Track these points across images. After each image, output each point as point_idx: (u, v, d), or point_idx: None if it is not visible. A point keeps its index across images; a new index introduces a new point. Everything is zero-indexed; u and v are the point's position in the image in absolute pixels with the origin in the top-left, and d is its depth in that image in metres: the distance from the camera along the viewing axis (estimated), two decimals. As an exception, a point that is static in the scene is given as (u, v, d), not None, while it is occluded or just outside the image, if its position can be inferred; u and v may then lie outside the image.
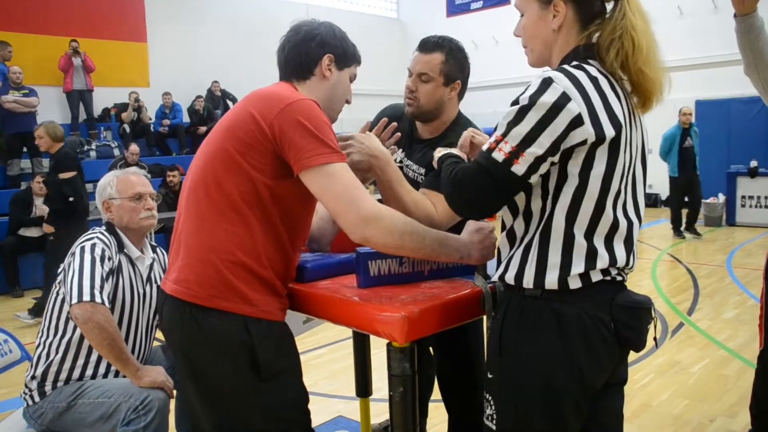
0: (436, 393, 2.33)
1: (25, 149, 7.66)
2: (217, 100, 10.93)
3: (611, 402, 1.41)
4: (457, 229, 1.62)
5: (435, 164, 1.55)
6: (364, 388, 2.32)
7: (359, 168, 1.66)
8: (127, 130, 9.44)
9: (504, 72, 11.73)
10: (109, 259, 2.06)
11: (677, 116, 8.11)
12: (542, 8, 1.33)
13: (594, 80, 1.25)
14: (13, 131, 7.55)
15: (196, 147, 8.52)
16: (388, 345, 1.37)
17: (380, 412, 2.87)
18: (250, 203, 1.42)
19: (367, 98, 7.45)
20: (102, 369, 2.08)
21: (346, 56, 1.61)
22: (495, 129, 1.27)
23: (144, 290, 2.18)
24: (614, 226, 1.27)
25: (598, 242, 1.27)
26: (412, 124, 2.12)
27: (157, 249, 2.35)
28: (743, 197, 9.24)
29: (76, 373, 2.05)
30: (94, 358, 2.06)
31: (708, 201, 9.04)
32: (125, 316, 2.11)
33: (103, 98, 9.93)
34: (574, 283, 1.26)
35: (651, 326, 1.31)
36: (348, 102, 1.66)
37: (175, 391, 2.06)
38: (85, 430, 1.99)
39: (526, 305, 1.30)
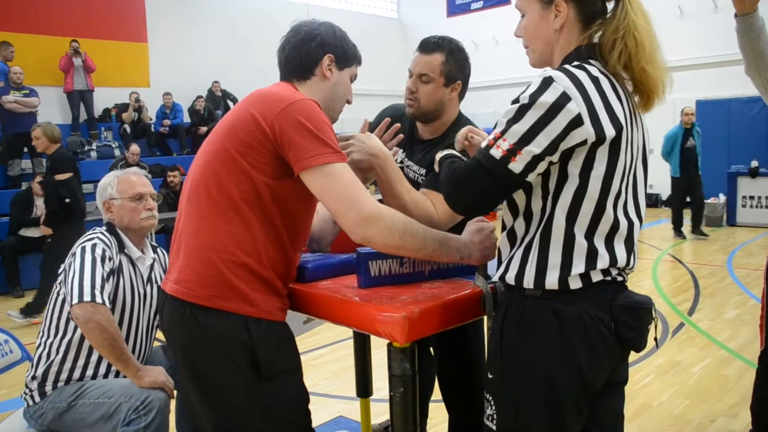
0: (437, 393, 2.33)
1: (25, 149, 7.66)
2: (217, 101, 10.93)
3: (612, 402, 1.41)
4: (457, 229, 1.62)
5: (437, 167, 1.55)
6: (364, 389, 2.32)
7: (360, 167, 1.66)
8: (128, 130, 9.44)
9: (504, 72, 11.73)
10: (110, 259, 2.06)
11: (678, 116, 8.11)
12: (544, 8, 1.33)
13: (595, 80, 1.25)
14: (14, 131, 7.55)
15: (197, 147, 8.56)
16: (389, 345, 1.37)
17: (381, 413, 2.87)
18: (250, 203, 1.42)
19: (367, 98, 7.46)
20: (102, 369, 2.08)
21: (347, 56, 1.61)
22: (494, 127, 1.27)
23: (144, 290, 2.18)
24: (615, 226, 1.27)
25: (599, 242, 1.26)
26: (412, 125, 2.12)
27: (158, 249, 2.35)
28: (744, 197, 9.24)
29: (77, 374, 2.05)
30: (94, 358, 2.06)
31: (709, 201, 9.03)
32: (126, 317, 2.11)
33: (104, 98, 9.94)
34: (575, 284, 1.26)
35: (651, 326, 1.31)
36: (349, 102, 1.66)
37: (175, 392, 2.06)
38: (86, 431, 1.99)
39: (526, 305, 1.30)
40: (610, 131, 1.22)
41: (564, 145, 1.21)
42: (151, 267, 2.24)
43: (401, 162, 2.12)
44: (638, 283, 5.77)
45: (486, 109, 9.66)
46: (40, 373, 2.03)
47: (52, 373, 2.03)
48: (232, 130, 1.44)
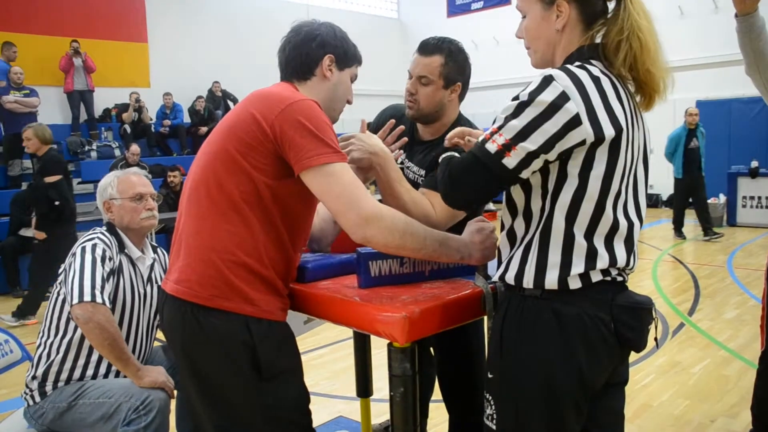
0: (437, 393, 2.33)
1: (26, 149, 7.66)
2: (217, 101, 10.93)
3: (612, 402, 1.41)
4: (457, 229, 1.62)
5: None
6: (364, 389, 2.32)
7: (360, 165, 1.66)
8: (128, 130, 9.44)
9: (504, 72, 11.72)
10: (110, 259, 2.06)
11: (678, 117, 8.10)
12: (545, 9, 1.33)
13: (596, 80, 1.25)
14: (14, 131, 7.55)
15: (197, 147, 8.55)
16: (389, 345, 1.37)
17: (381, 413, 2.87)
18: (251, 203, 1.42)
19: (367, 98, 7.46)
20: (102, 369, 2.08)
21: (347, 56, 1.61)
22: (493, 123, 1.27)
23: (145, 290, 2.18)
24: (614, 226, 1.27)
25: (598, 242, 1.26)
26: (413, 126, 2.12)
27: (158, 249, 2.35)
28: (744, 198, 9.24)
29: (77, 374, 2.05)
30: (94, 358, 2.06)
31: (709, 201, 9.01)
32: (126, 317, 2.11)
33: (104, 98, 9.94)
34: (574, 283, 1.26)
35: (652, 326, 1.31)
36: (349, 102, 1.66)
37: (175, 392, 2.06)
38: (86, 430, 1.99)
39: (526, 305, 1.30)
40: (609, 131, 1.22)
41: (561, 145, 1.21)
42: (152, 267, 2.24)
43: (401, 163, 2.12)
44: (638, 284, 5.77)
45: (486, 109, 9.65)
46: (41, 372, 2.03)
47: (52, 373, 2.03)
48: (232, 130, 1.44)
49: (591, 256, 1.26)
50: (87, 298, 1.91)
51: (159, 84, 10.53)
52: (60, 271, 2.09)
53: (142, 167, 7.38)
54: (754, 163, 9.16)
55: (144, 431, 1.89)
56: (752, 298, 5.23)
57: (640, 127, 1.34)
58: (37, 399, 2.03)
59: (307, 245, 1.73)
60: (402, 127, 1.92)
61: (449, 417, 2.24)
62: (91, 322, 1.90)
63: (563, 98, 1.19)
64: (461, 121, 2.06)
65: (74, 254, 2.03)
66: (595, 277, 1.26)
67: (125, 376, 2.01)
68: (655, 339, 1.37)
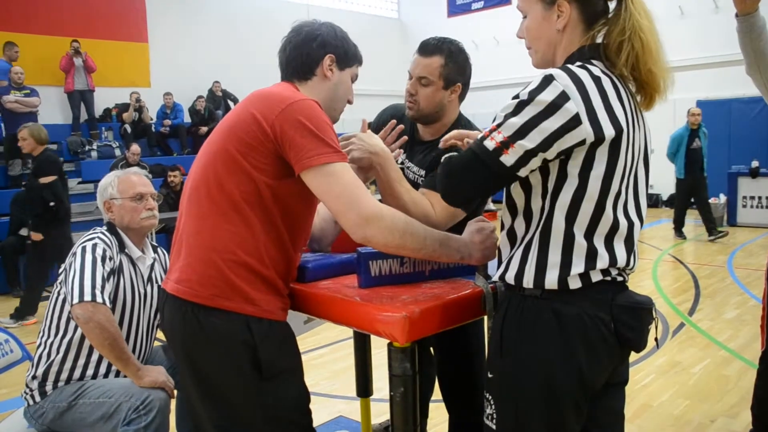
0: (437, 393, 2.33)
1: (26, 149, 7.67)
2: (218, 101, 10.93)
3: (612, 402, 1.41)
4: (458, 229, 1.62)
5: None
6: (364, 388, 2.32)
7: (360, 165, 1.66)
8: (129, 130, 9.45)
9: (505, 72, 11.71)
10: (110, 259, 2.06)
11: (678, 117, 8.09)
12: (546, 9, 1.33)
13: (596, 80, 1.25)
14: (14, 131, 7.54)
15: (198, 147, 8.53)
16: (389, 345, 1.37)
17: (381, 412, 2.87)
18: (251, 203, 1.42)
19: (367, 98, 7.44)
20: (103, 369, 2.08)
21: (348, 56, 1.61)
22: (493, 121, 1.28)
23: (145, 290, 2.18)
24: (614, 226, 1.27)
25: (598, 242, 1.26)
26: (413, 126, 2.12)
27: (158, 249, 2.35)
28: (744, 197, 9.24)
29: (77, 373, 2.05)
30: (94, 358, 2.07)
31: (709, 201, 9.03)
32: (126, 316, 2.11)
33: (104, 98, 9.94)
34: (574, 283, 1.26)
35: (652, 326, 1.31)
36: (350, 102, 1.67)
37: (175, 391, 2.06)
38: (86, 430, 1.99)
39: (526, 305, 1.30)
40: (609, 131, 1.22)
41: (560, 144, 1.20)
42: (152, 267, 2.24)
43: (401, 163, 2.12)
44: (638, 283, 5.77)
45: (486, 110, 9.60)
46: (41, 372, 2.04)
47: (52, 373, 2.04)
48: (232, 130, 1.45)
49: (591, 256, 1.26)
50: (87, 297, 1.91)
51: (159, 84, 10.53)
52: (60, 270, 2.09)
53: (143, 167, 7.38)
54: (755, 163, 9.16)
55: (144, 431, 1.89)
56: (752, 298, 5.23)
57: (641, 127, 1.34)
58: (37, 399, 2.03)
59: (307, 245, 1.73)
60: (402, 126, 1.92)
61: (449, 417, 2.24)
62: (92, 321, 1.90)
63: (563, 98, 1.19)
64: (461, 121, 2.06)
65: (74, 254, 2.03)
66: (595, 277, 1.26)
67: (125, 376, 2.01)
68: (656, 339, 1.37)
